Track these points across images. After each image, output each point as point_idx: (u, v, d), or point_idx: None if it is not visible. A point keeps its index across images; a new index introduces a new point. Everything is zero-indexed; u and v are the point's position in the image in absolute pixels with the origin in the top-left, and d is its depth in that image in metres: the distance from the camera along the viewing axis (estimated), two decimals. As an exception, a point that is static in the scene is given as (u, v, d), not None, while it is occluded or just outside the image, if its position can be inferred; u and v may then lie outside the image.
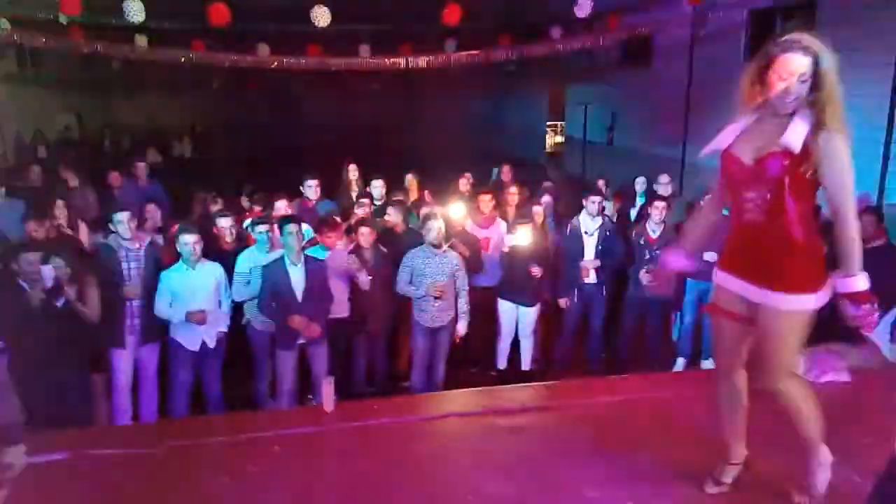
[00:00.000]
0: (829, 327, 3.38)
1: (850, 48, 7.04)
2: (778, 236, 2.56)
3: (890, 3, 6.56)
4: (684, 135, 10.02)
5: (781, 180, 2.48)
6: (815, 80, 2.43)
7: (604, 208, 6.27)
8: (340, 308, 5.44)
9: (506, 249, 5.95)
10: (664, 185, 7.18)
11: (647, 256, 5.96)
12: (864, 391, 3.95)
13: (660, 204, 6.03)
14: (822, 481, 2.81)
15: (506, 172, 8.21)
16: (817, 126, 2.42)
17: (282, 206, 6.31)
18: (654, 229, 6.02)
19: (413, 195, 7.60)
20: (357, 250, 5.53)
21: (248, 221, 6.07)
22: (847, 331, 2.80)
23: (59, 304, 4.35)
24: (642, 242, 6.02)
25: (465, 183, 7.64)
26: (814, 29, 7.45)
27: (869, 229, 5.35)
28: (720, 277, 2.80)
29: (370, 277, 5.41)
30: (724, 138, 2.68)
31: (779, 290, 2.57)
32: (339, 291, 5.40)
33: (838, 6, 7.23)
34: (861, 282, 2.45)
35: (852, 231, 2.45)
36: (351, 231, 5.80)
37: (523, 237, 5.76)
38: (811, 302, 2.56)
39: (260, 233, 5.42)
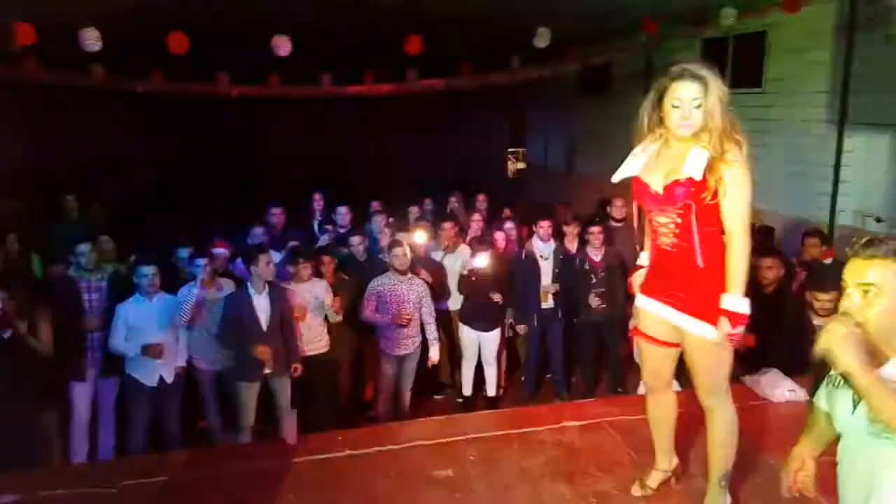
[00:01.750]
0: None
1: (796, 75, 7.34)
2: (688, 261, 2.64)
3: (831, 35, 6.84)
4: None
5: (688, 206, 2.57)
6: (707, 106, 2.52)
7: (559, 233, 6.34)
8: (321, 343, 5.34)
9: (464, 272, 5.97)
10: (619, 209, 7.28)
11: (593, 280, 6.02)
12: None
13: (594, 228, 6.11)
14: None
15: (454, 201, 8.27)
16: (715, 153, 2.51)
17: (258, 234, 6.19)
18: (594, 254, 6.10)
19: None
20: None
21: (185, 254, 5.68)
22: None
23: (5, 336, 4.18)
24: (587, 267, 6.09)
25: (415, 211, 7.65)
26: (764, 58, 7.73)
27: (814, 251, 5.54)
28: (642, 301, 2.88)
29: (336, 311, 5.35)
30: (634, 165, 2.76)
31: (695, 316, 2.65)
32: (318, 325, 5.31)
33: (787, 37, 7.50)
34: (744, 305, 2.56)
35: (742, 256, 2.56)
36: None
37: (482, 260, 5.79)
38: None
39: (196, 266, 5.21)
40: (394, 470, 3.50)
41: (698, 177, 2.52)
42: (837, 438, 1.92)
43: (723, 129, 2.51)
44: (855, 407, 1.77)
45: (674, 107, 2.56)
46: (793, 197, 7.19)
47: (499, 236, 6.37)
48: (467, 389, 6.19)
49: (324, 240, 6.78)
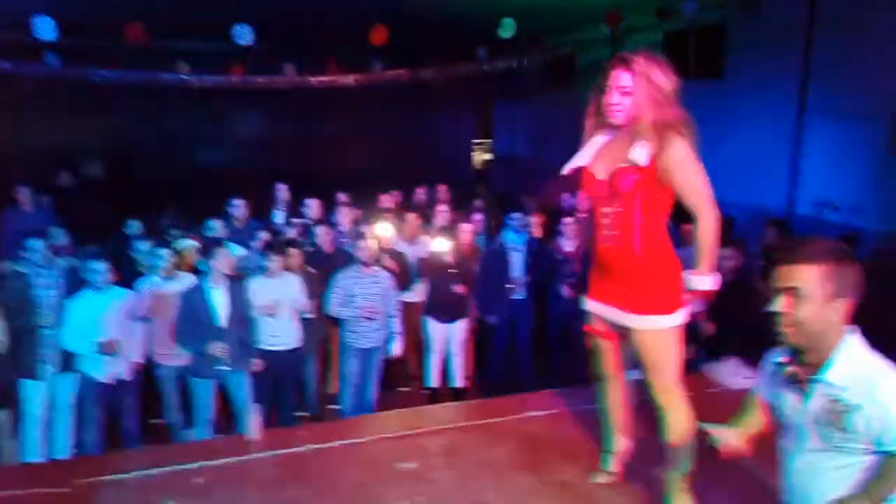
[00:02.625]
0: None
1: (756, 67, 7.46)
2: (627, 252, 2.66)
3: (790, 27, 6.96)
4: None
5: (632, 195, 2.58)
6: (638, 96, 2.54)
7: (529, 224, 6.35)
8: (290, 339, 5.22)
9: (425, 255, 5.96)
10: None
11: (567, 271, 6.06)
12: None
13: (568, 220, 6.16)
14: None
15: (419, 193, 8.26)
16: (659, 138, 2.52)
17: (217, 227, 6.05)
18: (566, 244, 6.14)
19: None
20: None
21: (145, 247, 5.62)
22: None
23: None
24: (560, 257, 6.12)
25: (388, 199, 7.64)
26: (724, 50, 7.82)
27: (773, 239, 5.65)
28: (587, 304, 2.94)
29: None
30: (584, 156, 2.78)
31: (637, 312, 2.68)
32: (287, 320, 5.16)
33: (746, 29, 7.62)
34: (710, 281, 2.57)
35: (709, 231, 2.57)
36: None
37: (440, 244, 5.82)
38: (671, 321, 2.67)
39: (156, 259, 5.09)
40: (359, 463, 3.47)
41: (643, 163, 2.54)
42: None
43: (658, 120, 2.51)
44: (806, 402, 1.79)
45: (605, 94, 2.59)
46: (753, 186, 7.33)
47: (465, 227, 6.35)
48: (433, 381, 6.17)
49: (292, 232, 6.68)
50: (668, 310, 2.66)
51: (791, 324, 1.73)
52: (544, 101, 12.23)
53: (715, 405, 3.85)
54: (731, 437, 2.06)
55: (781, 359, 1.88)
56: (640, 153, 2.54)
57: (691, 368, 4.73)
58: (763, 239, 5.83)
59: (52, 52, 9.32)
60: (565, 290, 6.01)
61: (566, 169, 2.85)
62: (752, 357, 4.25)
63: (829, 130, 6.82)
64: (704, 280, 2.57)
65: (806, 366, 1.78)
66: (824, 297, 1.70)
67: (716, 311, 4.74)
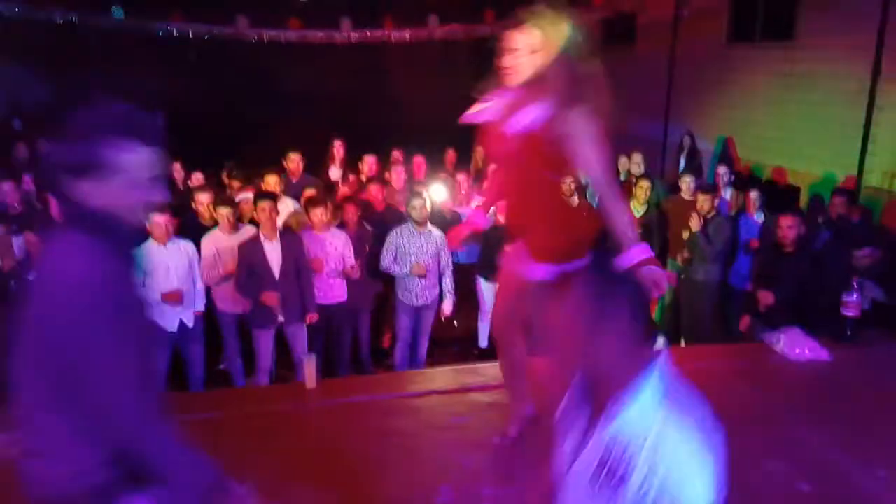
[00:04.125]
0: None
1: (829, 26, 7.10)
2: (529, 209, 2.60)
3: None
4: (666, 114, 10.05)
5: (529, 155, 2.48)
6: (542, 57, 2.40)
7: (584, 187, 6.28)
8: (338, 292, 5.34)
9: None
10: (637, 164, 7.20)
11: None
12: (843, 369, 4.01)
13: (644, 183, 6.03)
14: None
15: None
16: (559, 102, 2.38)
17: (272, 182, 6.17)
18: (638, 209, 6.03)
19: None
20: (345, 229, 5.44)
21: (206, 199, 5.62)
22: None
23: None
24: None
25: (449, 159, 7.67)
26: (796, 10, 7.46)
27: (840, 209, 5.45)
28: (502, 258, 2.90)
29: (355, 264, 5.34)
30: (484, 110, 2.66)
31: (537, 260, 2.62)
32: (336, 275, 5.27)
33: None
34: (639, 251, 2.37)
35: (614, 207, 2.40)
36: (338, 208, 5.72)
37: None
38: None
39: (221, 213, 5.18)
40: (409, 415, 3.55)
41: (536, 126, 2.43)
42: None
43: (559, 84, 2.38)
44: None
45: (505, 54, 2.47)
46: (821, 154, 7.05)
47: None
48: (483, 341, 6.23)
49: (344, 189, 6.76)
50: (561, 260, 2.58)
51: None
52: (602, 60, 11.94)
53: (777, 377, 3.82)
54: None
55: None
56: (535, 116, 2.42)
57: (749, 338, 4.67)
58: (829, 209, 5.64)
59: (117, 5, 9.49)
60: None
61: (463, 119, 2.75)
62: (814, 328, 4.18)
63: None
64: (634, 252, 2.38)
65: None
66: None
67: (775, 279, 4.64)
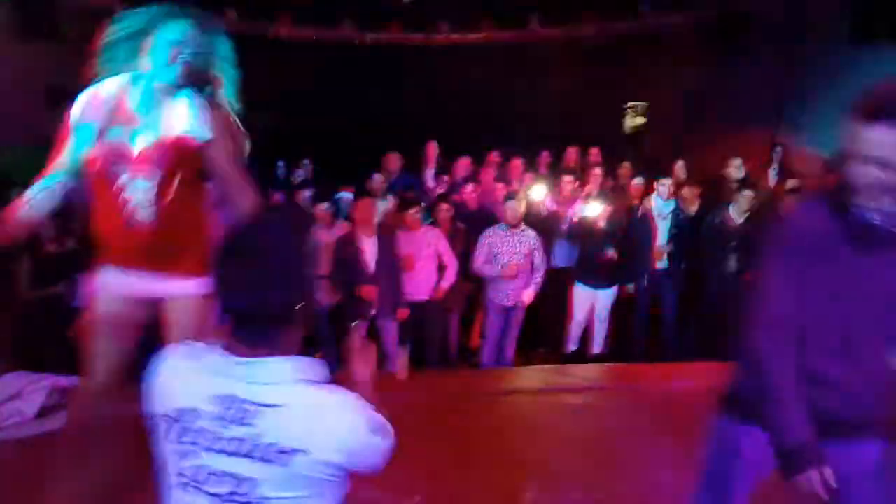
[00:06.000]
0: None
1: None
2: (170, 218, 2.38)
3: None
4: (779, 116, 9.60)
5: (170, 161, 2.32)
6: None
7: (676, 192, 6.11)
8: (429, 290, 5.36)
9: (575, 219, 5.89)
10: (735, 169, 6.87)
11: (732, 243, 5.74)
12: None
13: (748, 193, 5.76)
14: None
15: (570, 154, 8.10)
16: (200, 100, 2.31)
17: (378, 180, 6.30)
18: (737, 216, 5.79)
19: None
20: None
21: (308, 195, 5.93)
22: None
23: None
24: (723, 227, 5.79)
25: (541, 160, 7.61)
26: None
27: None
28: (106, 278, 2.47)
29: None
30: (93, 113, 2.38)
31: (178, 277, 2.43)
32: (429, 273, 5.33)
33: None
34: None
35: (240, 204, 2.32)
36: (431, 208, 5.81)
37: (593, 209, 5.71)
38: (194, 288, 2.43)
39: (321, 210, 5.40)
40: (494, 412, 3.58)
41: (175, 133, 2.31)
42: None
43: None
44: None
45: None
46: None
47: (632, 191, 6.23)
48: (573, 345, 6.15)
49: (440, 188, 6.85)
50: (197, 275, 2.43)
51: None
52: (707, 61, 11.52)
53: None
54: None
55: None
56: (174, 121, 2.31)
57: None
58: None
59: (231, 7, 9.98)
60: (732, 265, 5.71)
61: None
62: None
63: None
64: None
65: None
66: None
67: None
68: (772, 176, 7.27)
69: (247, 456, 1.25)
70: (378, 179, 6.15)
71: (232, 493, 1.26)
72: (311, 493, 1.29)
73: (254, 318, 1.29)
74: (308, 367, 1.33)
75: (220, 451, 1.26)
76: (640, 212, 6.05)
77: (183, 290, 2.44)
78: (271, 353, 1.30)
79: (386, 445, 1.37)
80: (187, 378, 1.32)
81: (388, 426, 1.39)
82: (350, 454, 1.29)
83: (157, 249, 2.38)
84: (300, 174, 6.93)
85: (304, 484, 1.27)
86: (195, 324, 2.43)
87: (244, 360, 1.29)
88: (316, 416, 1.27)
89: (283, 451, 1.24)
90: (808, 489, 1.67)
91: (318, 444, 1.25)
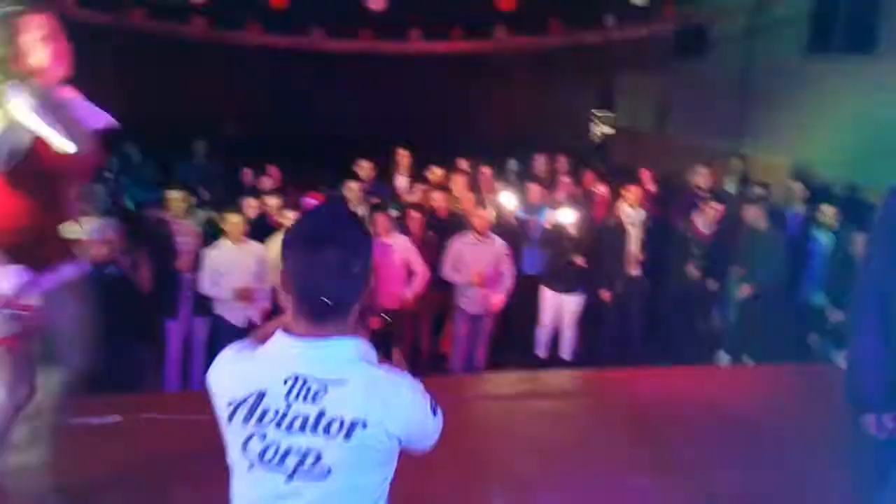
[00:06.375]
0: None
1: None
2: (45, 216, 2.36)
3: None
4: (739, 126, 9.80)
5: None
6: None
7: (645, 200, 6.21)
8: (396, 297, 5.33)
9: (547, 226, 5.92)
10: (703, 177, 7.01)
11: (696, 251, 5.85)
12: None
13: (718, 206, 5.87)
14: None
15: (538, 163, 8.15)
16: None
17: (355, 188, 6.26)
18: (705, 225, 5.89)
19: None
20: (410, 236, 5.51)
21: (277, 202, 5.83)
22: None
23: (109, 272, 4.45)
24: (690, 236, 5.91)
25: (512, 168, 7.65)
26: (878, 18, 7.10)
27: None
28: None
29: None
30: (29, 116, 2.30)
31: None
32: (398, 280, 5.31)
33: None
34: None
35: None
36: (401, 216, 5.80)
37: (565, 216, 5.76)
38: None
39: (289, 217, 5.30)
40: (464, 418, 3.56)
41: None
42: None
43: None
44: None
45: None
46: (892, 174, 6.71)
47: (598, 198, 6.30)
48: (542, 351, 6.19)
49: (412, 196, 6.84)
50: None
51: None
52: (672, 71, 11.73)
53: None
54: None
55: None
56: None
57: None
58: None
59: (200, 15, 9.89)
60: (692, 271, 5.81)
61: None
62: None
63: None
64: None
65: None
66: None
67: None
68: (734, 184, 7.42)
69: (312, 430, 1.31)
70: (354, 187, 6.13)
71: (297, 468, 1.31)
72: (372, 465, 1.36)
73: (320, 301, 1.35)
74: (368, 348, 1.41)
75: (287, 428, 1.32)
76: (611, 220, 6.13)
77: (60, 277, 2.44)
78: (335, 334, 1.37)
79: (439, 427, 1.46)
80: (248, 365, 1.42)
81: (441, 411, 1.45)
82: (410, 428, 1.38)
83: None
84: (267, 181, 6.87)
85: (366, 456, 1.33)
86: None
87: (310, 339, 1.36)
88: (379, 391, 1.34)
89: (347, 424, 1.30)
90: (866, 428, 2.03)
91: (381, 416, 1.32)
